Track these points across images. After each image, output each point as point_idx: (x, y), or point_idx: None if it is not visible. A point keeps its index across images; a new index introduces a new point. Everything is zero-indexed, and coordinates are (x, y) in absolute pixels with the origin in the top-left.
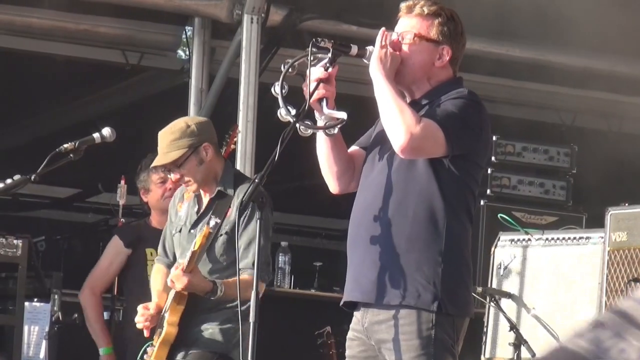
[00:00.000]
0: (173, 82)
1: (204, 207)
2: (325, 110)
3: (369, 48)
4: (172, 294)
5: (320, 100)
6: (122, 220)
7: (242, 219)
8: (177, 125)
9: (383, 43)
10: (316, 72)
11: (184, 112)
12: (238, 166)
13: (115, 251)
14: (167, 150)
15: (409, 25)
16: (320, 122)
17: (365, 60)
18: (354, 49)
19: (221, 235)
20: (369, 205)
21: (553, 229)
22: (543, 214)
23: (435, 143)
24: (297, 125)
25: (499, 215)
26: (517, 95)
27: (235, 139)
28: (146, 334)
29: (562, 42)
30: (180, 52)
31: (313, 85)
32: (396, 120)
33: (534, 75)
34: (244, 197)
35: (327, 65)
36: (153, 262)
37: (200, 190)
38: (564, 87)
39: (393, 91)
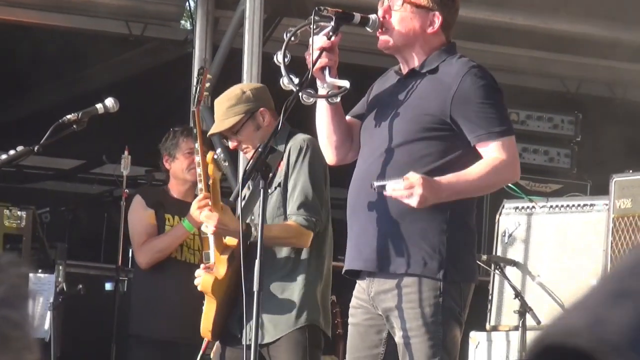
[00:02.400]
0: (177, 52)
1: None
2: (328, 78)
3: (372, 16)
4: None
5: (322, 69)
6: (126, 191)
7: (290, 165)
8: (233, 92)
9: None
10: (319, 41)
11: (188, 82)
12: None
13: (142, 209)
14: (223, 118)
15: None
16: (323, 91)
17: (368, 29)
18: (357, 18)
19: (276, 189)
20: (370, 172)
21: (557, 196)
22: (547, 181)
23: (517, 153)
24: (300, 94)
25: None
26: (520, 63)
27: (207, 84)
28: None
29: (566, 9)
30: (183, 22)
31: (316, 54)
32: (500, 185)
33: (537, 43)
34: (246, 167)
35: (330, 33)
36: (171, 228)
37: None
38: (568, 55)
39: (470, 184)
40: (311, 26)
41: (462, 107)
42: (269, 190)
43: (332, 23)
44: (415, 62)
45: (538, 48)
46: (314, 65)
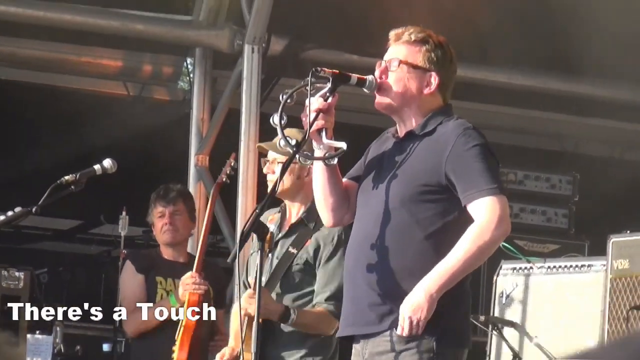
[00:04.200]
0: (174, 112)
1: (285, 230)
2: (325, 140)
3: (369, 77)
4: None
5: (319, 130)
6: (124, 251)
7: (323, 253)
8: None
9: None
10: (315, 103)
11: (186, 142)
12: (239, 196)
13: (132, 275)
14: (274, 141)
15: (396, 53)
16: (319, 153)
17: (365, 90)
18: (354, 79)
19: (297, 264)
20: (368, 235)
21: (555, 257)
22: (545, 242)
23: (506, 210)
24: (297, 156)
25: (500, 243)
26: (518, 122)
27: (229, 167)
28: None
29: (563, 69)
30: (181, 82)
31: (312, 115)
32: (490, 250)
33: (535, 103)
34: (244, 228)
35: (327, 95)
36: (164, 290)
37: (287, 206)
38: (566, 114)
39: (454, 267)
40: (307, 87)
41: (455, 167)
42: (295, 263)
43: (329, 84)
44: (412, 124)
45: (535, 107)
46: (310, 127)
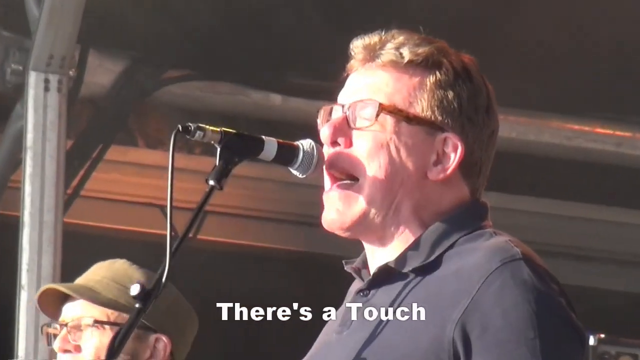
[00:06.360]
0: None
1: None
2: None
3: (304, 144)
4: None
5: None
6: None
7: None
8: (130, 271)
9: None
10: None
11: None
12: None
13: None
14: (92, 283)
15: (370, 88)
16: None
17: (295, 172)
18: (271, 146)
19: None
20: None
21: None
22: None
23: None
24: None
25: None
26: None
27: None
28: None
29: None
30: None
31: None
32: None
33: None
34: None
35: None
36: None
37: None
38: None
39: None
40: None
41: (476, 341)
42: None
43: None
44: (396, 249)
45: None
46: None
